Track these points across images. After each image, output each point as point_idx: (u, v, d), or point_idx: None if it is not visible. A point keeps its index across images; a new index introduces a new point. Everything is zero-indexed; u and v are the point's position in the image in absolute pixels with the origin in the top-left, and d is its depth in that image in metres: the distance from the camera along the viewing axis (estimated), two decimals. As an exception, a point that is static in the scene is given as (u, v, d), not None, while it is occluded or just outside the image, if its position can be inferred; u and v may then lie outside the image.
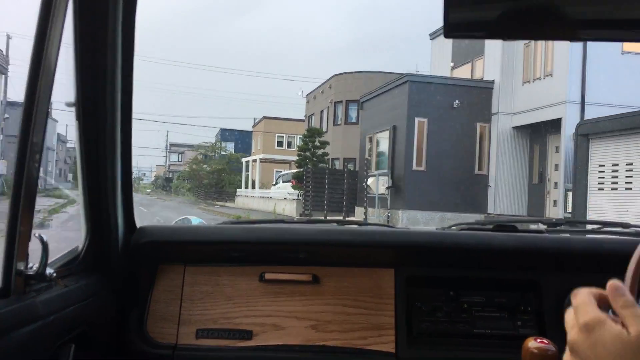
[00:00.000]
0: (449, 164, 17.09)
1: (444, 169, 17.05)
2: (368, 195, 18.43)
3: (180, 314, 1.66)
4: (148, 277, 1.70)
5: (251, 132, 44.84)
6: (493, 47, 17.72)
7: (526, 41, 16.61)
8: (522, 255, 1.66)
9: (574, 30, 0.87)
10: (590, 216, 13.37)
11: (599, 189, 13.29)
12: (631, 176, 12.37)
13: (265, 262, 1.70)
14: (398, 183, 17.50)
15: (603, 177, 13.16)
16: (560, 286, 1.59)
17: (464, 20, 0.87)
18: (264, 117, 40.68)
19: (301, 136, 26.51)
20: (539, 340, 0.97)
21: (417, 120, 17.16)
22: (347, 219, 17.99)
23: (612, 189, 12.92)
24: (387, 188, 17.65)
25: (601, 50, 14.80)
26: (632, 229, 1.88)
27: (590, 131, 13.44)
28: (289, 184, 25.72)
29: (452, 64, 20.33)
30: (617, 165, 12.74)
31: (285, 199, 24.67)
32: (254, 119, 44.22)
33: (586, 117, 14.41)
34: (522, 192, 17.29)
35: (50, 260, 1.23)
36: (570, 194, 14.21)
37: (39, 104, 1.11)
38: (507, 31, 0.89)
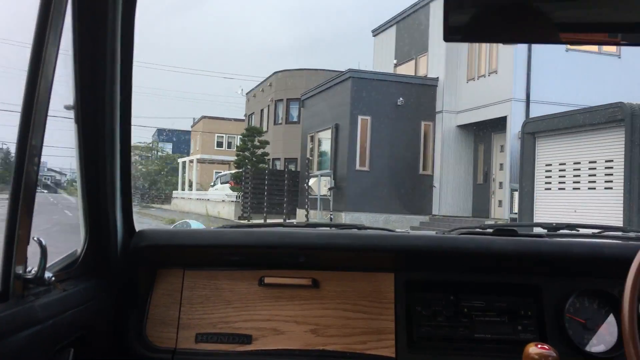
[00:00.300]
0: (393, 164, 16.59)
1: (388, 169, 16.52)
2: (310, 196, 17.66)
3: (179, 318, 1.65)
4: (147, 280, 1.69)
5: (190, 132, 43.46)
6: (437, 43, 17.30)
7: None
8: (522, 260, 1.65)
9: (573, 35, 0.89)
10: (537, 217, 13.01)
11: (546, 189, 12.91)
12: (579, 175, 12.01)
13: (265, 266, 1.69)
14: (341, 184, 16.81)
15: (550, 177, 12.79)
16: (560, 291, 1.60)
17: (463, 24, 0.89)
18: (203, 117, 39.39)
19: (240, 136, 25.52)
20: (539, 345, 1.09)
21: (360, 118, 16.55)
22: (288, 221, 17.07)
23: (559, 189, 12.55)
24: (330, 189, 16.95)
25: (546, 48, 14.56)
26: (633, 234, 1.87)
27: (537, 129, 13.06)
28: (228, 185, 24.63)
29: (395, 61, 19.80)
30: (565, 164, 12.38)
31: (223, 201, 23.56)
32: (193, 119, 42.83)
33: (531, 116, 14.08)
34: (467, 192, 16.93)
35: (49, 264, 1.25)
36: (516, 194, 13.83)
37: (37, 106, 1.11)
38: (506, 35, 0.93)
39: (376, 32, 21.66)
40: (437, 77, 17.16)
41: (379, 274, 1.67)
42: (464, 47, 16.65)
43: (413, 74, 18.40)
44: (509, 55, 14.80)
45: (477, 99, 15.91)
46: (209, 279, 1.69)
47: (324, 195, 17.22)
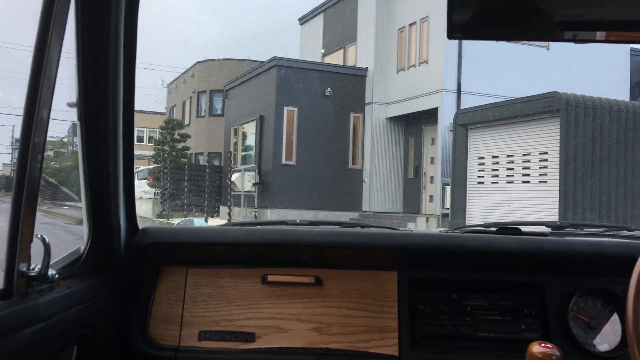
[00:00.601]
0: (321, 158, 15.74)
1: (316, 163, 15.66)
2: (233, 192, 16.52)
3: (182, 316, 1.66)
4: (150, 278, 1.69)
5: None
6: (365, 32, 16.61)
7: (403, 27, 15.63)
8: (526, 258, 1.65)
9: (576, 32, 0.90)
10: (469, 212, 12.53)
11: (478, 183, 12.43)
12: (512, 168, 11.57)
13: (268, 264, 1.69)
14: (266, 179, 15.80)
15: (483, 170, 12.31)
16: (564, 289, 1.60)
17: (466, 22, 0.90)
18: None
19: (159, 129, 23.93)
20: (543, 344, 1.10)
21: (286, 109, 15.60)
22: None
23: (492, 183, 12.09)
24: (254, 184, 15.90)
25: (477, 37, 14.15)
26: (637, 233, 1.89)
27: (469, 121, 12.55)
28: (145, 181, 23.02)
29: (323, 51, 18.95)
30: (498, 157, 11.93)
31: (140, 198, 21.94)
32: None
33: (463, 107, 13.60)
34: (397, 187, 16.36)
35: (52, 262, 1.25)
36: (448, 188, 13.32)
37: (40, 105, 1.12)
38: (509, 33, 0.95)
39: (303, 20, 20.73)
40: (367, 67, 16.46)
41: (382, 272, 1.66)
42: (393, 36, 16.02)
43: (342, 64, 17.63)
44: (440, 45, 14.26)
45: (407, 90, 15.33)
46: (212, 277, 1.69)
47: (249, 191, 16.17)
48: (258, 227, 1.86)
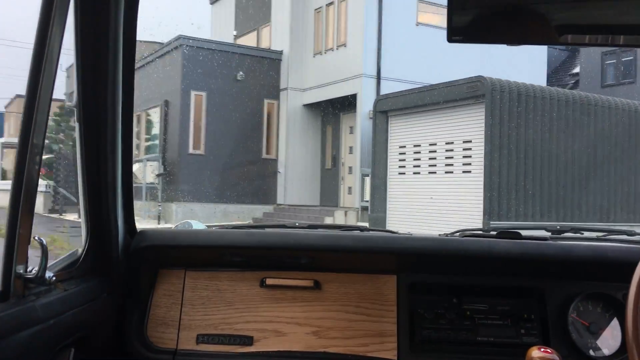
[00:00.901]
0: (232, 147, 14.53)
1: (227, 153, 14.44)
2: (134, 184, 14.97)
3: (180, 319, 1.66)
4: (148, 281, 1.69)
5: (2, 113, 37.73)
6: (280, 12, 15.51)
7: (320, 7, 14.65)
8: (526, 263, 1.64)
9: (576, 36, 0.91)
10: (390, 205, 11.80)
11: (400, 173, 11.71)
12: (435, 158, 10.90)
13: (267, 267, 1.70)
14: (171, 170, 14.38)
15: (404, 160, 11.59)
16: (564, 294, 1.61)
17: (466, 25, 0.90)
18: (18, 96, 34.05)
19: (53, 116, 21.77)
20: (542, 349, 1.08)
21: (193, 94, 14.26)
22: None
23: (414, 173, 11.39)
24: (158, 176, 14.44)
25: (396, 20, 13.44)
26: (637, 237, 1.90)
27: (390, 107, 11.79)
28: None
29: (235, 33, 17.64)
30: (420, 145, 11.23)
31: (31, 192, 19.77)
32: (11, 99, 37.18)
33: (383, 93, 12.84)
34: (314, 178, 15.45)
35: (50, 264, 1.26)
36: (367, 179, 12.54)
37: (39, 105, 1.12)
38: (509, 36, 0.94)
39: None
40: (282, 51, 15.38)
41: (381, 276, 1.66)
42: (310, 17, 15.03)
43: (255, 46, 16.45)
44: (359, 28, 13.45)
45: (325, 75, 14.42)
46: (211, 280, 1.69)
47: (151, 183, 14.70)
48: (257, 230, 1.86)
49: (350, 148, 14.33)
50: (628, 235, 1.91)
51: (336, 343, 1.60)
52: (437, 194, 10.61)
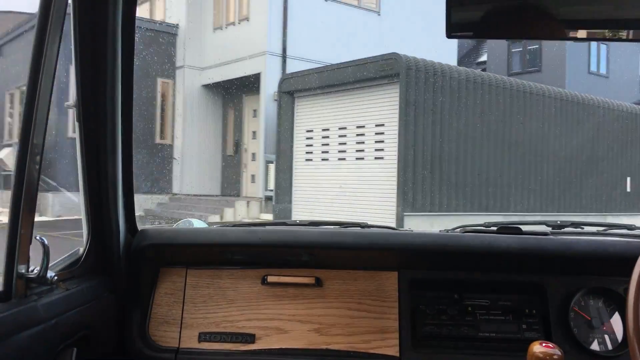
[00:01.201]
0: (120, 130, 12.95)
1: (114, 137, 12.84)
2: (3, 172, 13.15)
3: (182, 317, 1.66)
4: (150, 280, 1.69)
5: None
6: (176, -18, 14.02)
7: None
8: (527, 258, 1.65)
9: (576, 31, 0.90)
10: (296, 194, 10.81)
11: (307, 160, 10.73)
12: (345, 143, 10.00)
13: (268, 265, 1.70)
14: (48, 156, 12.58)
15: (312, 145, 10.62)
16: (565, 289, 1.61)
17: (465, 20, 0.91)
18: None
19: None
20: (544, 344, 1.09)
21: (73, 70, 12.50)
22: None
23: (323, 159, 10.43)
24: (31, 163, 12.61)
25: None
26: (637, 231, 1.90)
27: (296, 87, 10.75)
28: None
29: (125, 3, 15.94)
30: (329, 129, 10.30)
31: None
32: None
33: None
34: (215, 166, 14.22)
35: (51, 263, 1.25)
36: (272, 167, 11.47)
37: (39, 105, 1.14)
38: (508, 31, 0.95)
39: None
40: (177, 24, 13.95)
41: (382, 272, 1.66)
42: (209, -12, 13.68)
43: (148, 18, 14.86)
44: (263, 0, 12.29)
45: (226, 53, 13.18)
46: (212, 278, 1.69)
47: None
48: (258, 227, 1.86)
49: (254, 133, 13.22)
50: (628, 229, 1.93)
51: (338, 340, 1.60)
52: (347, 183, 9.72)
